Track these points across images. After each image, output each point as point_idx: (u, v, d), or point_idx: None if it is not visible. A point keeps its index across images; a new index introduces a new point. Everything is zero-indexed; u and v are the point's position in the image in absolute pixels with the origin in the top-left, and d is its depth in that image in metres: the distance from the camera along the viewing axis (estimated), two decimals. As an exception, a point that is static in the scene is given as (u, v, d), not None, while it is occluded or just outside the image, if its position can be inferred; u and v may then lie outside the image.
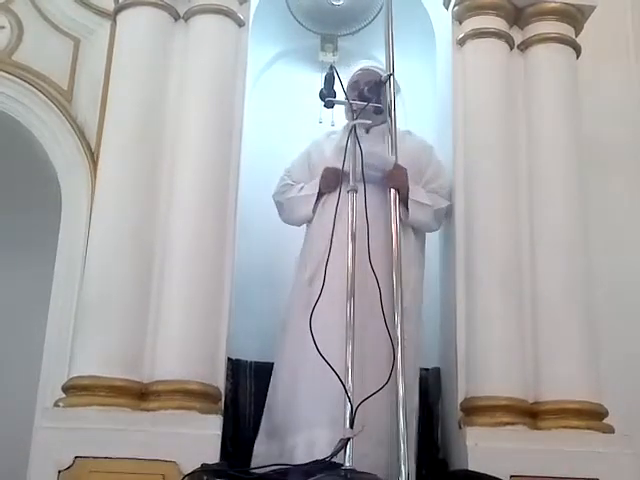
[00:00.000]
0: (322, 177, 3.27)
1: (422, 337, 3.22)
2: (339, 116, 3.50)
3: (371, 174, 3.04)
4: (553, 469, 2.86)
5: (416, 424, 3.06)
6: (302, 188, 3.35)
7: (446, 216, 3.39)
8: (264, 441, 3.07)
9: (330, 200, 3.17)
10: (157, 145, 3.19)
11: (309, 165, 3.42)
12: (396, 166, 3.21)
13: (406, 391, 2.80)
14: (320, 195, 3.27)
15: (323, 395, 2.85)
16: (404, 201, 3.20)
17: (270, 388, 3.17)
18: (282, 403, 3.07)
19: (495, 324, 3.11)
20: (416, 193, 3.23)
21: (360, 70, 3.43)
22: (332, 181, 3.18)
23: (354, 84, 3.33)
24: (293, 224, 3.43)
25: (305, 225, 3.37)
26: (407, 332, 2.98)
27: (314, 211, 3.28)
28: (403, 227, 3.16)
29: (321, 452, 2.63)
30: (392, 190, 3.16)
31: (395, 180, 3.19)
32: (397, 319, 2.90)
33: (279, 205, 3.43)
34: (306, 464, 2.56)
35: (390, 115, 3.32)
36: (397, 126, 3.32)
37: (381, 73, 3.36)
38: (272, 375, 3.19)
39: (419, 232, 3.32)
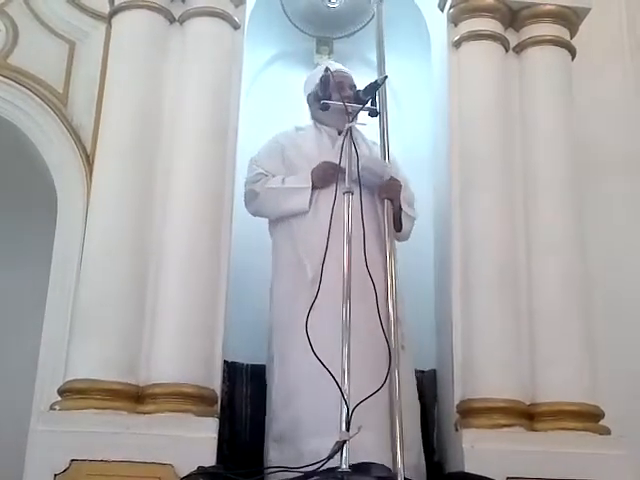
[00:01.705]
0: (320, 169, 3.22)
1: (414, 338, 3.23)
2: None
3: (368, 177, 3.04)
4: (550, 471, 2.85)
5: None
6: (284, 180, 3.29)
7: None
8: (274, 447, 3.01)
9: (323, 197, 3.16)
10: (153, 147, 3.19)
11: (283, 158, 3.37)
12: (392, 177, 3.23)
13: (411, 391, 2.89)
14: (312, 189, 3.23)
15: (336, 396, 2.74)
16: (396, 213, 3.24)
17: (275, 393, 3.09)
18: (291, 407, 2.99)
19: (491, 326, 3.11)
20: (403, 204, 3.27)
21: (336, 71, 3.35)
22: (330, 175, 3.15)
23: (339, 84, 3.22)
24: (267, 216, 3.36)
25: (271, 219, 3.34)
26: (405, 335, 3.02)
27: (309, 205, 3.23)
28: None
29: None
30: (386, 201, 3.19)
31: (391, 191, 3.21)
32: (393, 322, 2.91)
33: (252, 194, 3.33)
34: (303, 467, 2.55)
35: (383, 119, 3.33)
36: (366, 134, 3.39)
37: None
38: (277, 378, 3.10)
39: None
